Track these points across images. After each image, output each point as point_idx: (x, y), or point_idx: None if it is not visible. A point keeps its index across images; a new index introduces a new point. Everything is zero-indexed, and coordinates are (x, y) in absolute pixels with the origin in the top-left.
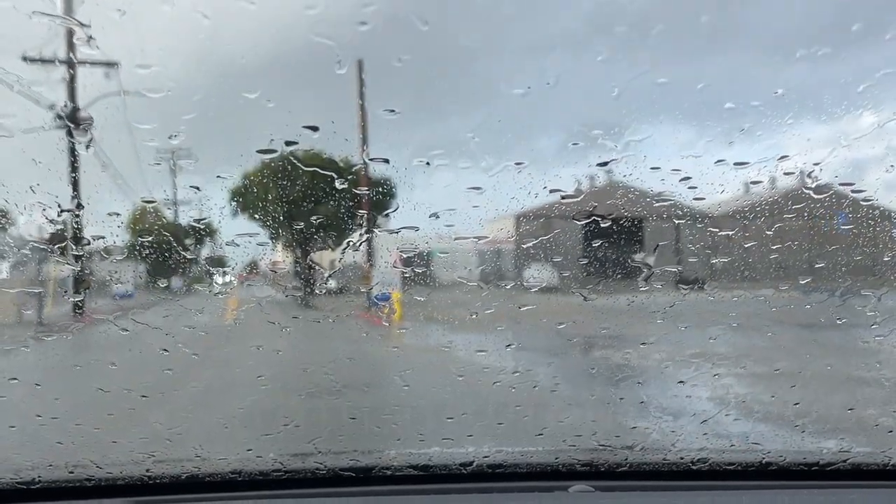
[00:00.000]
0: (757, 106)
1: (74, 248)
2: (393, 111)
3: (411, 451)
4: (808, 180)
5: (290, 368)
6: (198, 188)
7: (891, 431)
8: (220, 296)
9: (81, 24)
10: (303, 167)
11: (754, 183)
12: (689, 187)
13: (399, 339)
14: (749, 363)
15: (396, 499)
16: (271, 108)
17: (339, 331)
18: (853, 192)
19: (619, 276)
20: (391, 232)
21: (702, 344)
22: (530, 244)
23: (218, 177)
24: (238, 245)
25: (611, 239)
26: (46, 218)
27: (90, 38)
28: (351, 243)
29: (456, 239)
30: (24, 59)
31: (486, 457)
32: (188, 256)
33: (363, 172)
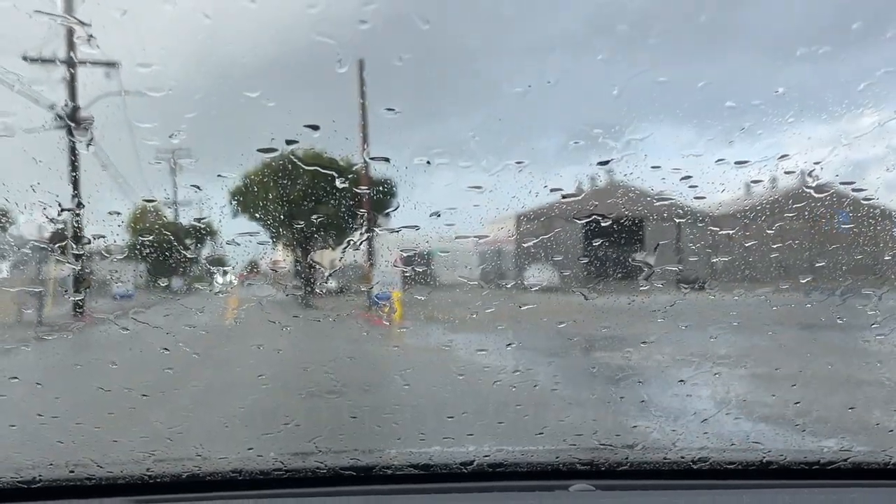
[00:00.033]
0: (757, 105)
1: (75, 247)
2: (393, 110)
3: (412, 450)
4: (809, 179)
5: (291, 367)
6: (198, 187)
7: (891, 431)
8: (221, 295)
9: (82, 24)
10: (303, 166)
11: (755, 182)
12: (690, 186)
13: (399, 339)
14: (750, 362)
15: (397, 498)
16: (272, 107)
17: (340, 330)
18: (854, 191)
19: (619, 275)
20: (392, 231)
21: (702, 343)
22: (531, 243)
23: (219, 176)
24: (239, 244)
25: (611, 238)
26: (47, 217)
27: (91, 37)
28: (351, 242)
29: (456, 238)
30: (25, 58)
31: (486, 456)
32: (189, 255)
33: (364, 171)
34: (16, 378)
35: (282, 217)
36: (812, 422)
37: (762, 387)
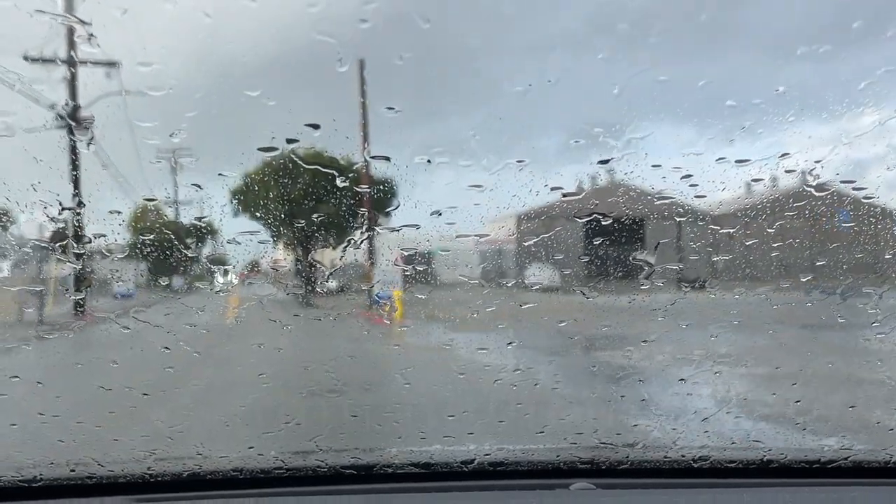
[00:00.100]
0: (758, 104)
1: (76, 246)
2: (394, 109)
3: (412, 448)
4: (810, 178)
5: (292, 366)
6: (199, 186)
7: (892, 429)
8: (222, 294)
9: (83, 23)
10: (304, 165)
11: (755, 181)
12: (691, 185)
13: (400, 338)
14: (750, 361)
15: (398, 496)
16: (272, 106)
17: (341, 329)
18: (854, 189)
19: (620, 274)
20: (392, 230)
21: (703, 342)
22: (531, 242)
23: (219, 175)
24: (239, 243)
25: (612, 237)
26: (48, 216)
27: (91, 36)
28: (352, 241)
29: (457, 237)
30: (26, 57)
31: (487, 455)
32: (189, 254)
33: (364, 170)
34: (17, 377)
35: (282, 216)
36: (813, 420)
37: (763, 385)
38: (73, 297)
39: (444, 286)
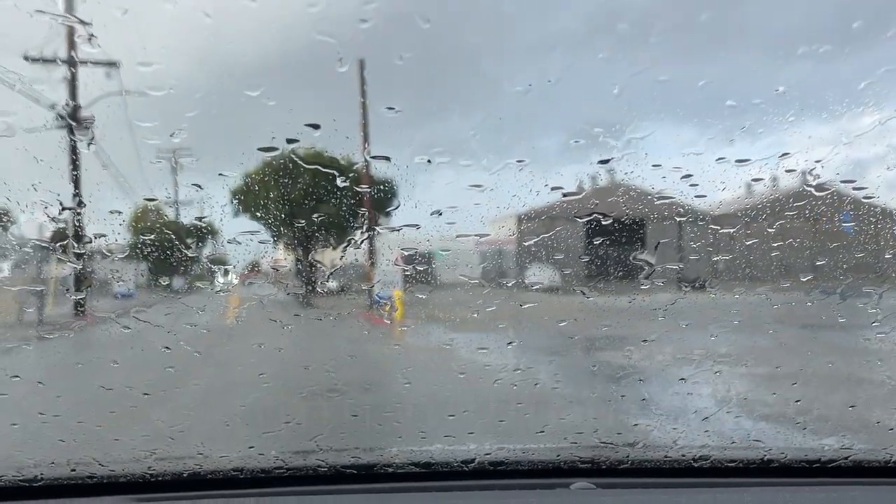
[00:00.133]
0: (758, 104)
1: (76, 246)
2: (394, 109)
3: (413, 448)
4: (810, 178)
5: (292, 366)
6: (199, 186)
7: (892, 429)
8: (222, 294)
9: (83, 23)
10: (304, 165)
11: (755, 181)
12: (691, 185)
13: (400, 338)
14: (750, 361)
15: (398, 496)
16: (273, 106)
17: (341, 329)
18: (854, 189)
19: (620, 273)
20: (392, 230)
21: (703, 342)
22: (532, 242)
23: (220, 175)
24: (240, 243)
25: (612, 237)
26: (48, 216)
27: (91, 36)
28: (352, 241)
29: (457, 237)
30: (26, 57)
31: (487, 454)
32: (190, 254)
33: (365, 170)
34: (17, 377)
35: (283, 216)
36: (813, 420)
37: (763, 385)
38: (73, 297)
39: (444, 286)
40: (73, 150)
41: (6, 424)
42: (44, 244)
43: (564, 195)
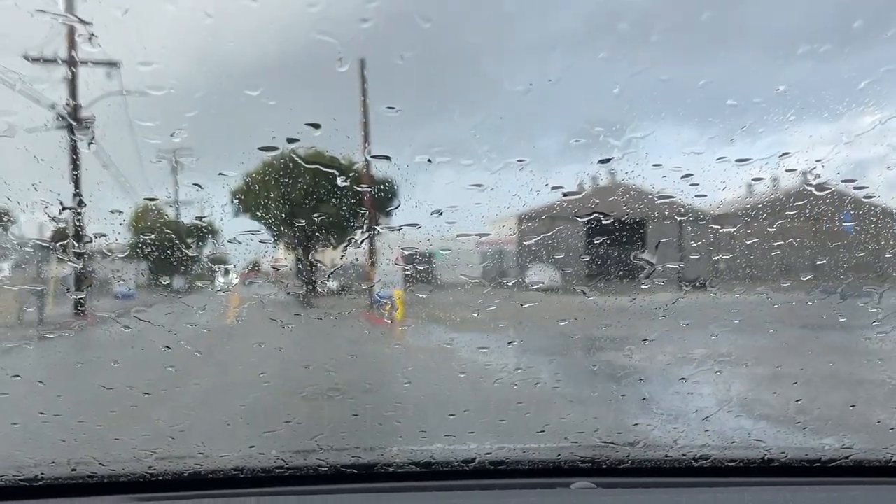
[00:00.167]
0: (759, 103)
1: (76, 245)
2: (394, 109)
3: (413, 447)
4: (810, 177)
5: (293, 366)
6: (200, 186)
7: (892, 429)
8: (222, 294)
9: (83, 23)
10: (305, 165)
11: (756, 180)
12: (691, 184)
13: (401, 337)
14: (751, 360)
15: (398, 495)
16: (273, 105)
17: (341, 329)
18: (855, 189)
19: (620, 273)
20: (393, 229)
21: (703, 341)
22: (532, 241)
23: (220, 174)
24: (240, 243)
25: (612, 236)
26: (48, 216)
27: (92, 36)
28: (353, 241)
29: (458, 236)
30: (26, 57)
31: (488, 454)
32: (190, 254)
33: (365, 170)
34: (18, 376)
35: (283, 215)
36: (813, 420)
37: (763, 385)
38: (73, 297)
39: (444, 286)
40: (74, 150)
41: (6, 424)
42: (44, 244)
43: (565, 195)
